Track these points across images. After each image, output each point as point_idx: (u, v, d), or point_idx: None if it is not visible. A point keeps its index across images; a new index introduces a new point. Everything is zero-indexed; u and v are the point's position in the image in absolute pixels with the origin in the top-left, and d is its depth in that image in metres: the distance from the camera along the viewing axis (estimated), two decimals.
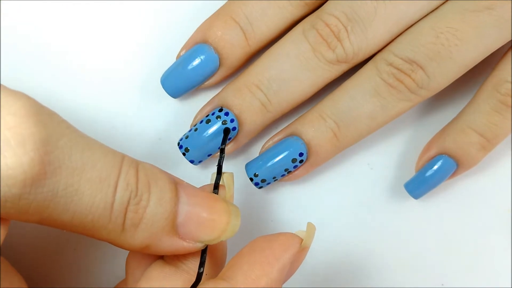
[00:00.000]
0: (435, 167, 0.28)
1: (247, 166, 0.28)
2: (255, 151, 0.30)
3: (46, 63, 0.30)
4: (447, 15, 0.26)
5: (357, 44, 0.26)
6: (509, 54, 0.28)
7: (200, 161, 0.28)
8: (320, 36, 0.27)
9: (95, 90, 0.30)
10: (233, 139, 0.28)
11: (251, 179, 0.28)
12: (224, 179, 0.25)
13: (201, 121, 0.28)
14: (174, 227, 0.22)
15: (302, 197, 0.30)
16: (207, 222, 0.22)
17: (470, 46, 0.26)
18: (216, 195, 0.23)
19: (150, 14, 0.31)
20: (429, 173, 0.28)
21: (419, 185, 0.29)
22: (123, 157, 0.21)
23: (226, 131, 0.27)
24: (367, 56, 0.27)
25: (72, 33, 0.31)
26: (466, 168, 0.28)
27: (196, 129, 0.28)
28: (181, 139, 0.28)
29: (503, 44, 0.27)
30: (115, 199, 0.20)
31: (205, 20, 0.28)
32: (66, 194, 0.19)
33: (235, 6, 0.27)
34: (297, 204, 0.30)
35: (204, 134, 0.27)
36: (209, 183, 0.30)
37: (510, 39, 0.27)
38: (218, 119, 0.27)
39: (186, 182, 0.23)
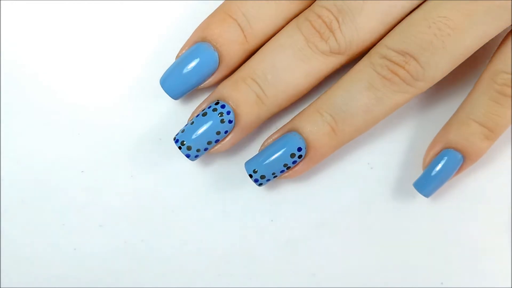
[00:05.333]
0: (442, 162, 0.28)
1: (247, 163, 0.28)
2: (257, 149, 0.30)
3: (46, 63, 0.30)
4: (439, 4, 0.26)
5: (349, 35, 0.27)
6: (504, 45, 0.28)
7: (196, 156, 0.28)
8: (313, 28, 0.27)
9: (95, 90, 0.30)
10: (230, 133, 0.28)
11: (251, 176, 0.28)
12: None
13: (198, 115, 0.28)
14: None
15: (302, 196, 0.30)
16: None
17: (463, 35, 0.26)
18: None
19: (150, 14, 0.31)
20: (436, 169, 0.28)
21: (428, 182, 0.28)
22: None
23: None
24: (361, 48, 0.27)
25: (72, 33, 0.31)
26: (473, 160, 0.28)
27: (192, 123, 0.28)
28: (177, 134, 0.28)
29: (499, 32, 0.27)
30: None
31: (204, 20, 0.28)
32: None
33: (232, 4, 0.28)
34: (297, 204, 0.30)
35: (201, 127, 0.27)
36: (207, 183, 0.30)
37: (505, 27, 0.26)
38: (215, 111, 0.27)
39: None
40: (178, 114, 0.30)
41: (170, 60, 0.29)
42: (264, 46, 0.28)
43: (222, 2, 0.29)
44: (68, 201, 0.30)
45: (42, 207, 0.30)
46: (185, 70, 0.28)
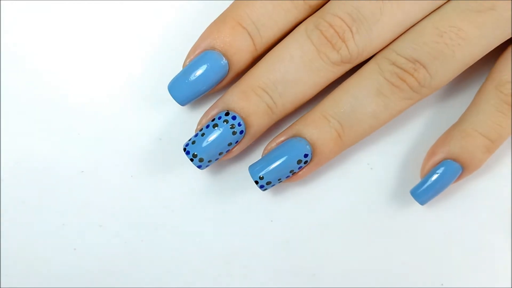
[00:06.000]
0: (441, 173, 0.28)
1: (251, 169, 0.28)
2: (256, 149, 0.30)
3: (47, 64, 0.30)
4: (451, 14, 0.26)
5: (362, 45, 0.26)
6: (508, 54, 0.28)
7: (207, 166, 0.28)
8: (325, 37, 0.26)
9: (95, 90, 0.30)
10: (239, 142, 0.28)
11: (256, 182, 0.28)
12: None
13: (207, 126, 0.27)
14: None
15: (302, 197, 0.30)
16: None
17: (472, 45, 0.26)
18: None
19: (151, 14, 0.31)
20: (435, 179, 0.28)
21: (426, 191, 0.28)
22: None
23: None
24: (370, 55, 0.27)
25: (73, 33, 0.31)
26: (471, 171, 0.28)
27: (203, 134, 0.27)
28: (187, 145, 0.27)
29: (501, 42, 0.27)
30: None
31: (210, 26, 0.28)
32: None
33: (241, 11, 0.27)
34: (297, 204, 0.30)
35: (212, 139, 0.27)
36: (207, 183, 0.30)
37: (507, 38, 0.27)
38: (226, 123, 0.27)
39: None
40: (179, 114, 0.30)
41: (171, 60, 0.29)
42: (272, 52, 0.27)
43: (223, 2, 0.29)
44: (68, 201, 0.30)
45: (42, 207, 0.30)
46: (194, 78, 0.27)
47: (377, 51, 0.27)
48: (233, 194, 0.30)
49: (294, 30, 0.27)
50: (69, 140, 0.30)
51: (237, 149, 0.28)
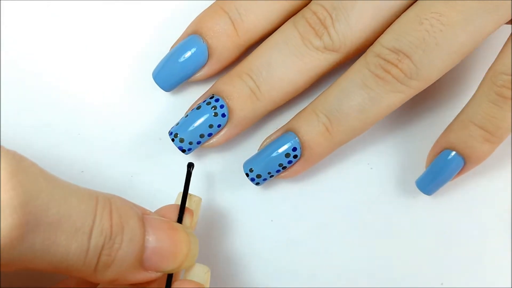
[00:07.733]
0: (443, 162, 0.28)
1: (244, 163, 0.29)
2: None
3: (46, 64, 0.30)
4: (433, 1, 0.26)
5: (342, 31, 0.27)
6: (505, 46, 0.27)
7: (189, 149, 0.28)
8: (309, 24, 0.27)
9: (95, 91, 0.30)
10: (224, 127, 0.28)
11: (247, 175, 0.28)
12: (192, 205, 0.26)
13: (193, 109, 0.28)
14: (140, 262, 0.23)
15: (302, 197, 0.30)
16: (169, 255, 0.23)
17: (457, 31, 0.25)
18: (178, 226, 0.24)
19: (150, 14, 0.31)
20: (437, 168, 0.28)
21: (429, 181, 0.29)
22: (97, 200, 0.22)
23: (189, 166, 0.26)
24: (356, 45, 0.27)
25: (72, 34, 0.31)
26: (475, 162, 0.28)
27: (186, 116, 0.28)
28: (172, 127, 0.28)
29: (496, 28, 0.26)
30: (90, 246, 0.21)
31: (199, 14, 0.29)
32: (43, 248, 0.20)
33: None
34: (297, 204, 0.30)
35: (194, 120, 0.28)
36: (207, 183, 0.30)
37: (502, 22, 0.26)
38: (208, 105, 0.28)
39: (151, 213, 0.24)
40: (179, 114, 0.30)
41: None
42: (262, 43, 0.28)
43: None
44: None
45: None
46: (175, 62, 0.28)
47: (363, 40, 0.27)
48: (233, 194, 0.30)
49: (285, 23, 0.28)
50: (69, 140, 0.30)
51: (222, 136, 0.28)
